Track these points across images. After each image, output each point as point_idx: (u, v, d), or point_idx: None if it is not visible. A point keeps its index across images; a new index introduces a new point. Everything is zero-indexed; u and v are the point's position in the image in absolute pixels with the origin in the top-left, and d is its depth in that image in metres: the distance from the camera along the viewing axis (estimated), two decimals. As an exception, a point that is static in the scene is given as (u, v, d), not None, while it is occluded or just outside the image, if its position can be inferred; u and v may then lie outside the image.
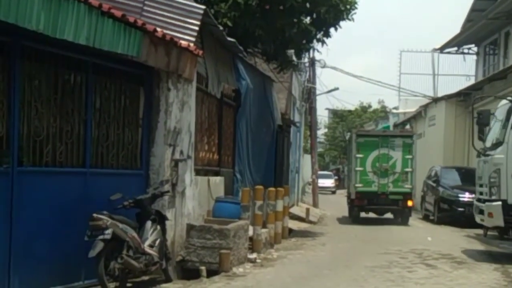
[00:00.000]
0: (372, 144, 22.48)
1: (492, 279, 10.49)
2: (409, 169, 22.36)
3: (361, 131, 25.98)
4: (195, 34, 10.07)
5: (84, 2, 7.12)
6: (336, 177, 55.31)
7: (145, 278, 9.16)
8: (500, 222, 12.66)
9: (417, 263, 12.18)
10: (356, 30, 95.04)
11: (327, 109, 64.97)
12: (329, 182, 49.25)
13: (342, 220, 24.05)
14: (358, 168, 22.48)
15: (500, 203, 12.54)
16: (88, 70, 8.37)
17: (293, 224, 19.46)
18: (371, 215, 23.93)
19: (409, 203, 22.35)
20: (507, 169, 12.50)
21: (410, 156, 22.44)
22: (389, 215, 23.54)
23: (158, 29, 9.01)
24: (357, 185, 22.49)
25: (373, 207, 22.92)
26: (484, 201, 13.20)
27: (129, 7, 9.46)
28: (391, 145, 22.55)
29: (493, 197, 12.78)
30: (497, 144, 13.04)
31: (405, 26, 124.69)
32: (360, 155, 22.46)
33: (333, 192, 48.73)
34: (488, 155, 13.30)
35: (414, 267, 11.72)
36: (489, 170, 13.02)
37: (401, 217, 22.75)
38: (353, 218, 23.52)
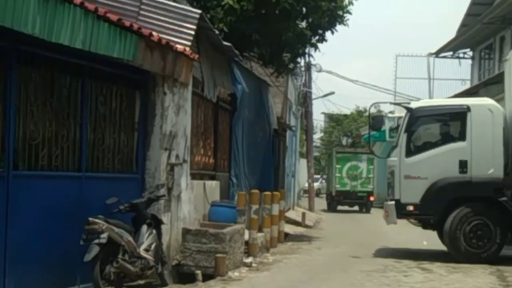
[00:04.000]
0: (346, 158, 33.65)
1: (487, 283, 10.50)
2: (371, 175, 33.04)
3: (339, 149, 37.79)
4: (191, 38, 10.08)
5: (80, 6, 7.12)
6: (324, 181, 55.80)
7: (141, 282, 9.14)
8: (394, 221, 13.62)
9: (412, 267, 12.18)
10: (353, 36, 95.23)
11: (323, 113, 64.88)
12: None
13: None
14: (337, 174, 33.36)
15: (393, 202, 13.47)
16: (84, 74, 8.37)
17: (289, 228, 19.44)
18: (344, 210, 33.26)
19: (371, 198, 32.86)
20: (400, 171, 13.42)
21: (372, 167, 33.00)
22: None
23: (154, 33, 9.02)
24: (336, 186, 33.33)
25: (347, 201, 33.39)
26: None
27: (125, 11, 9.46)
28: (359, 159, 33.49)
29: (390, 197, 13.77)
30: (394, 148, 13.97)
31: (401, 30, 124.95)
32: (339, 166, 33.40)
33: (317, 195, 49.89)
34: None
35: (409, 271, 11.73)
36: (387, 172, 14.07)
37: (365, 208, 33.23)
38: (332, 208, 33.84)
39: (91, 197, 8.37)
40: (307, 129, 33.07)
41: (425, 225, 14.15)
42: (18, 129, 7.37)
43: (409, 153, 13.44)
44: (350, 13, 16.03)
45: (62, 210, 7.97)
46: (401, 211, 13.36)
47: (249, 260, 11.77)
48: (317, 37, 16.36)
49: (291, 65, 18.16)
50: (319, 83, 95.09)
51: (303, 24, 15.82)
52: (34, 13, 6.37)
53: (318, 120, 63.96)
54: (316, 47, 16.80)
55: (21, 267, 7.32)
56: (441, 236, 14.05)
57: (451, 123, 13.85)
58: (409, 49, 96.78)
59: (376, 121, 14.96)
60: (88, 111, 8.50)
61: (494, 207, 13.00)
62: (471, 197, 13.08)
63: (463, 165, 13.12)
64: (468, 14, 28.71)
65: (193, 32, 10.12)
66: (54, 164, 7.96)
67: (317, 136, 63.67)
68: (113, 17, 7.88)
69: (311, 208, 30.23)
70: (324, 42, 16.62)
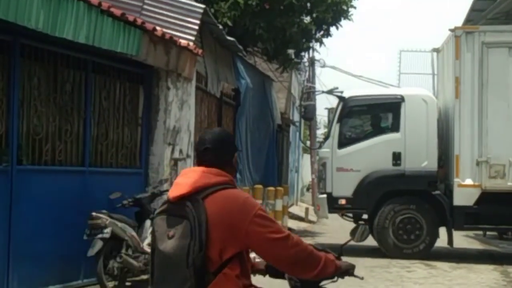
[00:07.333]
0: None
1: (491, 279, 10.49)
2: None
3: None
4: (194, 33, 10.07)
5: (83, 0, 7.11)
6: None
7: (144, 277, 9.11)
8: (326, 215, 13.35)
9: (416, 263, 12.16)
10: (357, 31, 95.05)
11: (326, 108, 64.82)
12: None
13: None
14: None
15: (325, 196, 13.06)
16: (88, 68, 8.36)
17: (293, 224, 19.44)
18: None
19: None
20: (332, 163, 13.00)
21: None
22: None
23: (158, 28, 9.00)
24: None
25: None
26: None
27: (128, 5, 9.46)
28: None
29: (321, 190, 13.35)
30: (326, 138, 13.59)
31: (405, 26, 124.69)
32: None
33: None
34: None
35: (413, 266, 11.72)
36: (318, 164, 13.70)
37: None
38: None
39: (95, 191, 8.37)
40: (311, 124, 33.01)
41: (357, 220, 13.64)
42: (21, 124, 7.37)
43: (342, 144, 13.03)
44: (354, 7, 16.02)
45: (66, 205, 7.97)
46: (333, 205, 12.98)
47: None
48: (321, 32, 16.34)
49: (295, 60, 18.13)
50: (323, 79, 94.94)
51: (308, 19, 15.79)
52: (37, 8, 6.36)
53: (322, 115, 63.86)
54: (321, 42, 16.77)
55: (25, 261, 7.32)
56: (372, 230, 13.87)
57: (385, 114, 13.47)
58: (413, 44, 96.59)
59: (308, 110, 14.73)
60: (92, 105, 8.50)
61: (426, 201, 12.62)
62: (405, 191, 12.68)
63: (396, 157, 12.72)
64: (472, 10, 28.54)
65: (196, 27, 10.11)
66: (57, 159, 7.96)
67: (320, 131, 63.62)
68: (117, 12, 7.86)
69: (314, 204, 30.22)
70: (329, 37, 16.61)
